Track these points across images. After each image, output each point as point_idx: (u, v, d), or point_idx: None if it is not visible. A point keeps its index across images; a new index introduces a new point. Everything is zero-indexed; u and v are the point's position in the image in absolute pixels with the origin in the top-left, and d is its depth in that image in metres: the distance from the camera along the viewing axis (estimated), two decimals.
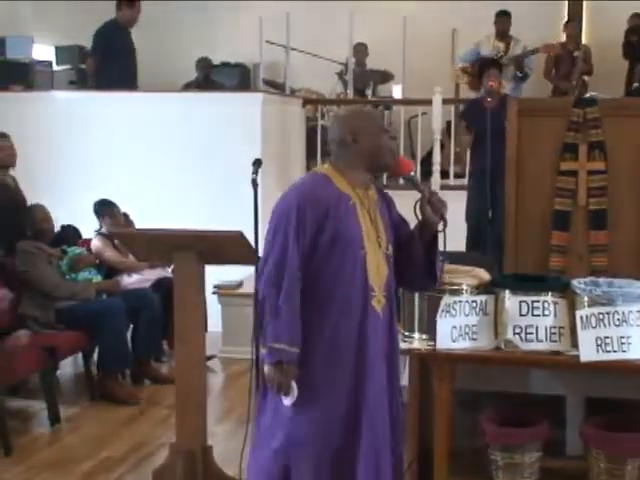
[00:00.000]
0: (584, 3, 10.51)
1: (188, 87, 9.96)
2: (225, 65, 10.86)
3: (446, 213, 3.29)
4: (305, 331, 3.17)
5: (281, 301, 3.13)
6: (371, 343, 3.24)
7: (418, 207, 3.29)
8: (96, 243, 6.64)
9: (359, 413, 3.23)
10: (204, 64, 10.11)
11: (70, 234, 6.59)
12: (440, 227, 3.30)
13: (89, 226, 6.76)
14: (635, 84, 9.35)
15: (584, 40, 10.11)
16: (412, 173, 3.37)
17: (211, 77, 10.11)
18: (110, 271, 6.64)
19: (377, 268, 3.26)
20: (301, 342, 3.17)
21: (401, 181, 6.21)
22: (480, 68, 7.57)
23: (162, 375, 6.41)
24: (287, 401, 3.24)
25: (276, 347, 3.15)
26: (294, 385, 3.20)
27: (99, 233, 6.70)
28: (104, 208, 6.72)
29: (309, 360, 3.20)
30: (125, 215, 6.86)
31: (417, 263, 3.37)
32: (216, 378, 6.61)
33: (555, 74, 9.82)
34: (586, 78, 9.54)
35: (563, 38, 10.02)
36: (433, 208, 3.26)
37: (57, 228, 6.52)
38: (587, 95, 7.03)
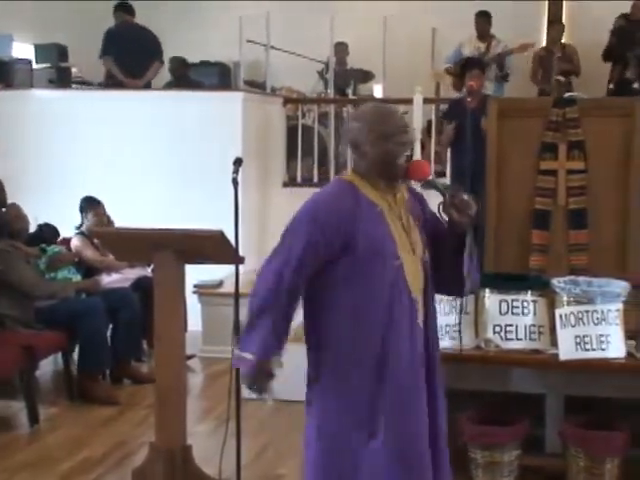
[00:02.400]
0: (564, 4, 10.55)
1: (169, 86, 9.91)
2: (205, 64, 10.81)
3: (474, 212, 3.01)
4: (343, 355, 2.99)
5: (261, 312, 2.95)
6: (412, 361, 3.01)
7: (442, 210, 3.05)
8: (76, 242, 6.62)
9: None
10: (175, 64, 9.89)
11: (48, 233, 6.57)
12: (467, 227, 3.03)
13: (68, 225, 6.73)
14: (610, 86, 9.43)
15: (565, 41, 10.14)
16: (430, 177, 3.08)
17: (186, 76, 9.98)
18: (90, 270, 6.61)
19: (415, 278, 3.03)
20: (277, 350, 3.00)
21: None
22: (463, 68, 7.60)
23: (142, 374, 6.38)
24: (268, 399, 3.13)
25: (242, 356, 3.00)
26: (271, 386, 3.07)
27: (79, 232, 6.67)
28: (89, 205, 6.69)
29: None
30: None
31: (444, 265, 3.11)
32: (196, 378, 6.60)
33: (541, 76, 9.85)
34: (564, 78, 9.56)
35: (544, 40, 10.07)
36: (458, 210, 2.99)
37: (36, 227, 6.50)
38: (566, 95, 7.05)
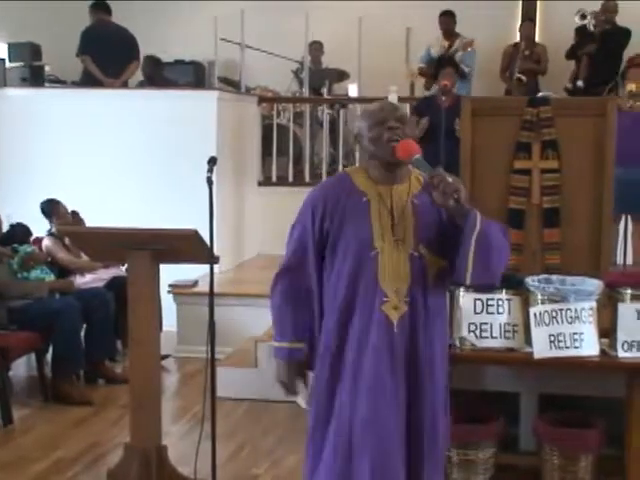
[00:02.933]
0: (538, 3, 10.61)
1: (143, 85, 9.86)
2: (179, 63, 10.78)
3: (461, 193, 2.88)
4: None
5: (283, 299, 3.13)
6: (376, 355, 3.00)
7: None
8: (47, 244, 6.57)
9: (356, 441, 3.02)
10: (149, 63, 9.79)
11: (20, 232, 6.51)
12: (458, 212, 2.92)
13: (41, 224, 6.68)
14: (568, 85, 9.49)
15: (537, 40, 10.20)
16: (417, 156, 2.96)
17: (160, 75, 9.91)
18: (63, 270, 6.57)
19: (394, 270, 3.00)
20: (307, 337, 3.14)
21: None
22: (436, 67, 7.63)
23: (116, 375, 6.35)
24: (300, 402, 3.23)
25: (277, 346, 3.16)
26: (302, 385, 3.17)
27: (50, 233, 6.63)
28: (50, 207, 6.64)
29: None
30: (75, 213, 6.79)
31: (451, 252, 3.02)
32: (171, 377, 6.58)
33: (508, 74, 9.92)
34: (525, 77, 9.61)
35: (517, 38, 10.12)
36: (439, 192, 2.89)
37: (8, 226, 6.45)
38: (540, 94, 7.09)
